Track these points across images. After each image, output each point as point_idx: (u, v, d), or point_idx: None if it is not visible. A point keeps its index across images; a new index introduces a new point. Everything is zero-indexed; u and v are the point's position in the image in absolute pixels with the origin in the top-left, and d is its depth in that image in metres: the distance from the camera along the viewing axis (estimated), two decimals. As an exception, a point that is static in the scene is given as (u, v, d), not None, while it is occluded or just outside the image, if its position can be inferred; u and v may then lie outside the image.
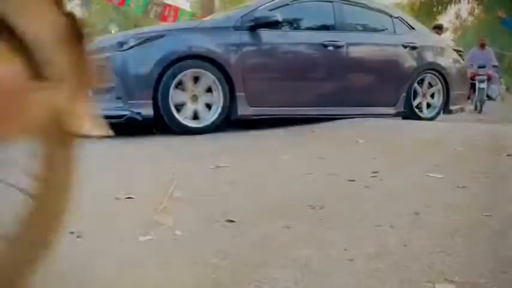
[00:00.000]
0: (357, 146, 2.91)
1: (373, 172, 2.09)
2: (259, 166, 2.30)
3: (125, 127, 3.30)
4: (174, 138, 3.30)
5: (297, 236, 1.28)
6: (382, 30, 4.49)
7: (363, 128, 3.58)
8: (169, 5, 12.15)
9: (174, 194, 1.74)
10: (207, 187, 1.87)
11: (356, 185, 1.89)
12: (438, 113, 4.61)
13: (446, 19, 21.34)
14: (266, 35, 3.78)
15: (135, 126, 3.38)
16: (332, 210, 1.53)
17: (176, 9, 11.86)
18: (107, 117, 3.00)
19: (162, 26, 5.02)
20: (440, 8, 18.69)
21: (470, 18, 26.14)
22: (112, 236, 1.28)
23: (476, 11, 20.61)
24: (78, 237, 1.28)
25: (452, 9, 19.53)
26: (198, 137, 3.33)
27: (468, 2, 19.10)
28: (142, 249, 1.19)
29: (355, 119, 4.01)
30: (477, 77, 7.99)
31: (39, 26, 0.65)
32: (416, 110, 4.47)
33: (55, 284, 0.98)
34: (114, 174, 2.11)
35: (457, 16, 27.55)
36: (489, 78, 8.25)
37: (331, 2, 4.21)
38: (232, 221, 1.41)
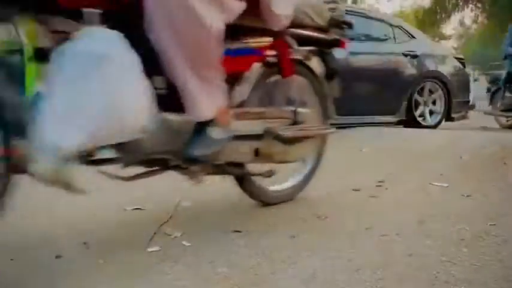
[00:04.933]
0: (361, 155, 2.92)
1: (379, 181, 2.10)
2: (265, 176, 2.31)
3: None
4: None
5: (303, 245, 1.30)
6: (382, 39, 4.52)
7: (365, 136, 3.59)
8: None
9: (182, 204, 1.76)
10: (214, 197, 1.89)
11: (361, 194, 1.90)
12: (440, 121, 4.61)
13: (450, 27, 21.39)
14: None
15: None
16: (338, 219, 1.54)
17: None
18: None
19: None
20: (444, 15, 18.74)
21: (474, 26, 26.18)
22: (120, 247, 1.30)
23: (480, 18, 20.64)
24: (87, 248, 1.30)
25: (456, 17, 19.58)
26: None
27: (471, 10, 19.14)
28: (150, 260, 1.21)
29: (357, 127, 4.02)
30: None
31: None
32: (418, 119, 4.48)
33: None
34: (121, 185, 2.13)
35: (461, 24, 27.62)
36: None
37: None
38: (238, 231, 1.43)
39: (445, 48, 5.06)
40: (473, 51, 24.19)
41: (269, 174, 1.60)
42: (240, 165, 1.55)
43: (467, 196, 1.84)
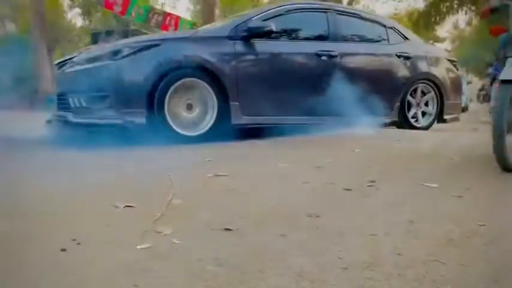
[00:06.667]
0: (353, 155, 2.93)
1: (370, 181, 2.11)
2: (257, 175, 2.32)
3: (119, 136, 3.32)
4: (170, 146, 3.32)
5: (292, 244, 1.30)
6: (376, 40, 4.54)
7: (358, 137, 3.61)
8: (170, 14, 12.27)
9: (172, 202, 1.76)
10: (205, 195, 1.89)
11: (353, 194, 1.91)
12: (433, 122, 4.65)
13: (444, 29, 21.53)
14: (260, 44, 3.82)
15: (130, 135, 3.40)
16: (328, 218, 1.55)
17: (177, 19, 11.97)
18: (99, 126, 3.04)
19: (156, 35, 5.07)
20: (438, 18, 18.85)
21: (468, 29, 26.36)
22: (110, 244, 1.30)
23: (474, 21, 20.79)
24: (78, 244, 1.30)
25: (450, 20, 19.69)
26: (195, 146, 3.35)
27: (466, 13, 19.27)
28: (140, 257, 1.20)
29: (351, 128, 4.03)
30: None
31: None
32: (411, 120, 4.51)
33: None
34: (112, 183, 2.13)
35: (455, 26, 27.81)
36: None
37: (325, 12, 4.26)
38: (229, 229, 1.43)
39: (439, 50, 5.09)
40: (467, 53, 24.37)
41: None
42: None
43: (457, 197, 1.86)
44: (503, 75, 2.26)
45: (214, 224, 1.48)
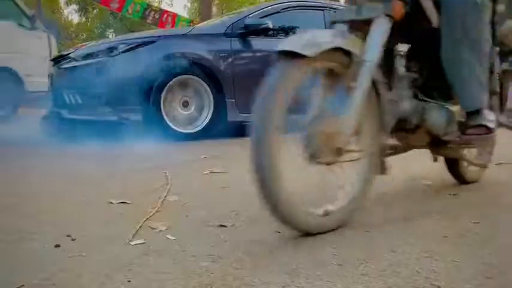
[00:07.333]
0: (350, 153, 2.93)
1: (365, 179, 2.11)
2: (253, 172, 2.31)
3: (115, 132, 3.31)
4: (166, 143, 3.31)
5: (287, 240, 1.30)
6: None
7: (356, 135, 3.61)
8: (167, 11, 12.23)
9: (168, 198, 1.76)
10: (201, 192, 1.89)
11: (348, 191, 1.90)
12: None
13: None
14: (256, 41, 3.82)
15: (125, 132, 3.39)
16: (323, 216, 1.54)
17: (174, 16, 11.93)
18: (94, 122, 3.03)
19: (152, 31, 5.04)
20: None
21: (465, 28, 26.33)
22: (104, 240, 1.30)
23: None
24: (72, 240, 1.29)
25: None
26: (191, 143, 3.34)
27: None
28: (134, 253, 1.20)
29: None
30: None
31: None
32: None
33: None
34: (107, 179, 2.12)
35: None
36: None
37: (321, 9, 4.26)
38: (224, 225, 1.43)
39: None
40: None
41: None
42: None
43: (453, 194, 1.86)
44: (284, 44, 1.27)
45: (209, 220, 1.48)
